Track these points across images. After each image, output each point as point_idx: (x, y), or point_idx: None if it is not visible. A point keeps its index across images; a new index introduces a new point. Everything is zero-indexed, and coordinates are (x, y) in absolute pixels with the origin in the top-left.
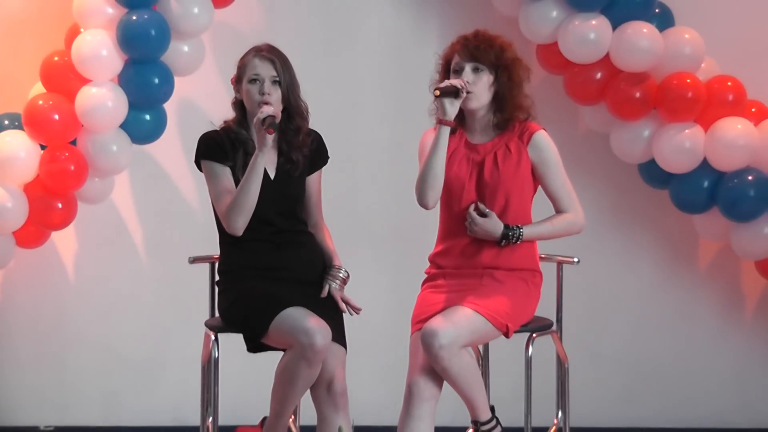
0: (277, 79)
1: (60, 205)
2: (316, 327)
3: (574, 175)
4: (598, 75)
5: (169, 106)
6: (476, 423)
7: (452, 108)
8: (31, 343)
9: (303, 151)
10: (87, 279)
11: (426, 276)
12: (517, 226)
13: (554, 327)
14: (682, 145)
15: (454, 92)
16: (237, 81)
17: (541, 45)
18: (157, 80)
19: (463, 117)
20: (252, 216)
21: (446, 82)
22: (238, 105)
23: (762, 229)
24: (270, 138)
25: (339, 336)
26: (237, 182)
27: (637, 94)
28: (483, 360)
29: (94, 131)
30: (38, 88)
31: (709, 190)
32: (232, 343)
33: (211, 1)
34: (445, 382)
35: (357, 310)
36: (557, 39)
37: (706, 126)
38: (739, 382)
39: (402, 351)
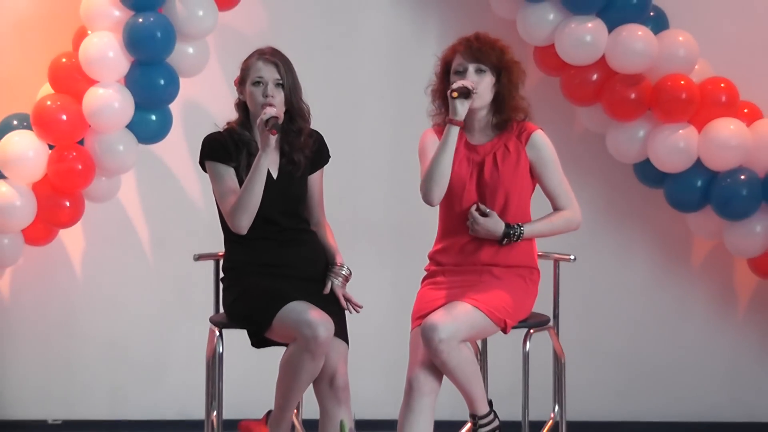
0: (281, 81)
1: (67, 204)
2: (319, 320)
3: (571, 175)
4: (594, 76)
5: (174, 107)
6: (474, 417)
7: (463, 108)
8: (39, 338)
9: (305, 152)
10: (94, 276)
11: (426, 273)
12: (518, 225)
13: (551, 323)
14: (676, 145)
15: (466, 93)
16: (240, 83)
17: (539, 47)
18: (162, 81)
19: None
20: (256, 215)
21: (459, 83)
22: (241, 106)
23: (754, 228)
24: (273, 139)
25: (341, 332)
26: (241, 182)
27: (632, 96)
28: (481, 355)
29: (101, 131)
30: (46, 89)
31: (702, 190)
32: (237, 338)
33: (216, 4)
34: (444, 377)
35: (358, 308)
36: (554, 41)
37: (699, 126)
38: (731, 377)
39: (402, 347)
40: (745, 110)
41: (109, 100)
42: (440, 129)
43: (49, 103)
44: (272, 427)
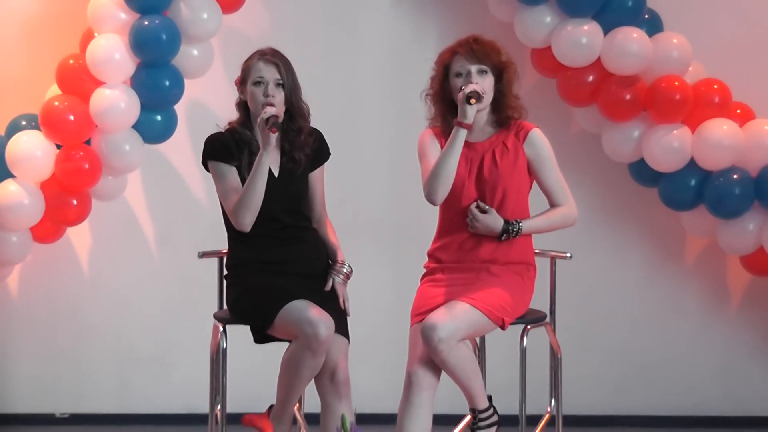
0: (281, 81)
1: (75, 202)
2: (320, 318)
3: (568, 174)
4: (590, 78)
5: (179, 107)
6: (474, 411)
7: (472, 112)
8: (47, 333)
9: (305, 150)
10: (101, 272)
11: (425, 270)
12: (516, 221)
13: (548, 319)
14: (670, 145)
15: (478, 97)
16: (241, 83)
17: (536, 49)
18: (167, 82)
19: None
20: (258, 213)
21: (471, 88)
22: (242, 106)
23: (747, 226)
24: (273, 137)
25: (342, 328)
26: (243, 181)
27: (628, 97)
28: (480, 350)
29: (107, 131)
30: (54, 90)
31: (696, 189)
32: (240, 334)
33: (220, 7)
34: (443, 372)
35: (348, 312)
36: (551, 43)
37: (693, 127)
38: (724, 371)
39: (402, 342)
40: (738, 111)
41: (116, 101)
42: (438, 129)
43: (56, 103)
44: (274, 420)
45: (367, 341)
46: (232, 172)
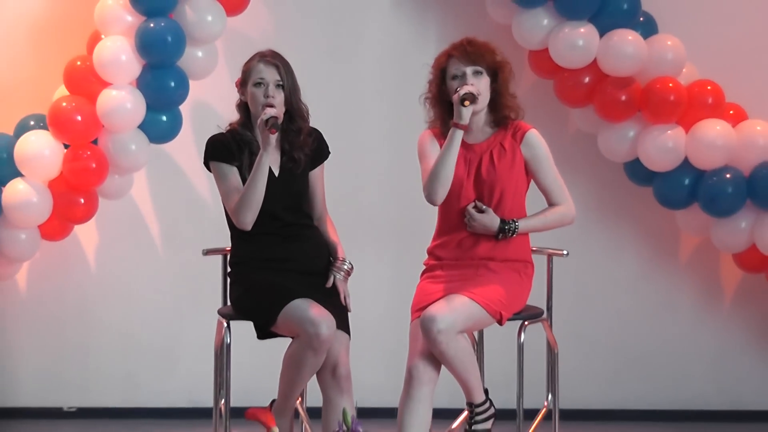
0: (281, 83)
1: (82, 201)
2: (322, 318)
3: (564, 173)
4: (587, 79)
5: (184, 108)
6: (471, 405)
7: (468, 113)
8: (55, 329)
9: (304, 150)
10: (107, 269)
11: (425, 267)
12: (513, 220)
13: (545, 315)
14: (664, 145)
15: (472, 98)
16: (242, 84)
17: (533, 51)
18: (173, 84)
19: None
20: (260, 211)
21: (465, 90)
22: (243, 107)
23: (739, 224)
24: (273, 137)
25: (343, 323)
26: (244, 181)
27: (623, 97)
28: (478, 346)
29: (114, 131)
30: (62, 90)
31: (690, 188)
32: (243, 329)
33: (224, 9)
34: (442, 366)
35: (349, 308)
36: (548, 45)
37: (687, 127)
38: (717, 366)
39: (402, 337)
40: (731, 111)
41: (122, 102)
42: (438, 130)
43: (64, 104)
44: (277, 414)
45: (368, 337)
46: (233, 172)
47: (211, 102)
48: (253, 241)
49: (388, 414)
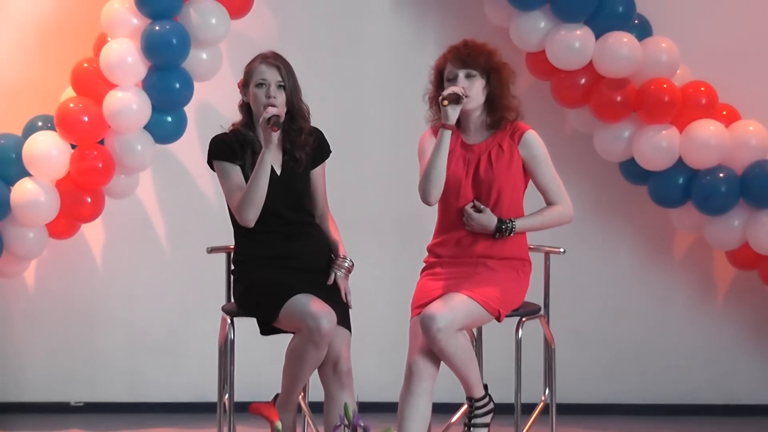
0: (282, 83)
1: (89, 200)
2: (322, 312)
3: (561, 173)
4: (583, 80)
5: (189, 109)
6: (471, 399)
7: (454, 113)
8: (62, 325)
9: (306, 149)
10: (114, 267)
11: (425, 265)
12: (510, 220)
13: (542, 311)
14: (659, 145)
15: (456, 99)
16: (244, 85)
17: (530, 53)
18: (178, 85)
19: (458, 119)
20: (263, 209)
21: (449, 90)
22: (245, 108)
23: (732, 222)
24: (275, 136)
25: (344, 320)
26: (246, 180)
27: (618, 98)
28: (477, 342)
29: (120, 132)
30: (69, 92)
31: (684, 187)
32: (247, 326)
33: (228, 12)
34: (441, 362)
35: (350, 305)
36: (545, 47)
37: (681, 127)
38: (710, 361)
39: (402, 334)
40: (724, 112)
41: (128, 103)
42: (437, 131)
43: (71, 105)
44: (280, 409)
45: (369, 333)
46: (236, 171)
47: (215, 103)
48: (256, 239)
49: (388, 408)
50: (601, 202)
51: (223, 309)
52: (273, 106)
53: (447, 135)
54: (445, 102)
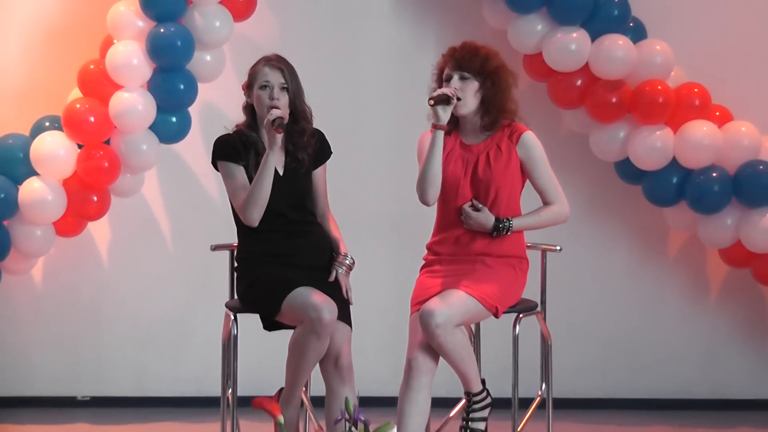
0: (285, 85)
1: (95, 199)
2: (323, 303)
3: (557, 173)
4: (579, 82)
5: (193, 110)
6: (469, 394)
7: (445, 114)
8: (69, 321)
9: (308, 150)
10: (120, 264)
11: (424, 262)
12: (507, 219)
13: (539, 308)
14: (653, 145)
15: (445, 100)
16: (248, 87)
17: (528, 55)
18: (182, 86)
19: (457, 120)
20: (266, 209)
21: (438, 92)
22: (249, 109)
23: (725, 221)
24: (279, 138)
25: (345, 316)
26: (250, 180)
27: (614, 99)
28: (475, 338)
29: (125, 132)
30: (76, 93)
31: (677, 186)
32: (250, 322)
33: (231, 15)
34: (440, 357)
35: (351, 301)
36: (542, 50)
37: (675, 128)
38: (703, 357)
39: (402, 330)
40: (717, 113)
41: (133, 104)
42: None
43: (78, 106)
44: (283, 403)
45: (369, 329)
46: (240, 171)
47: (219, 104)
48: (259, 237)
49: (388, 403)
50: (596, 201)
51: (227, 305)
52: (276, 108)
53: (440, 135)
54: (431, 102)
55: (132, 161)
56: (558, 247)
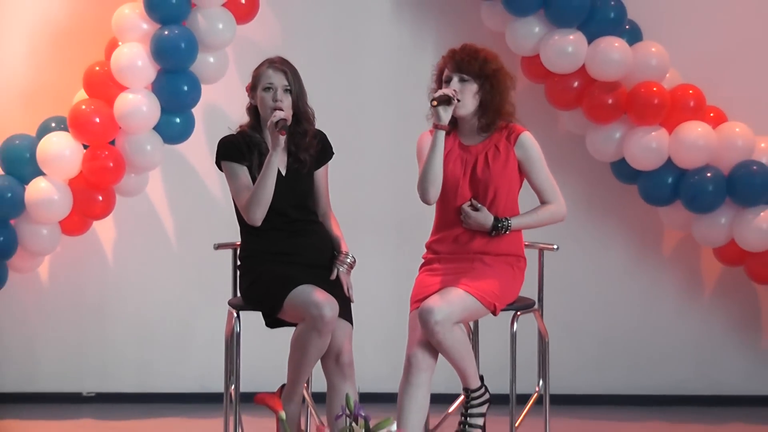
0: (289, 87)
1: (100, 198)
2: (325, 301)
3: (554, 172)
4: (575, 84)
5: (196, 111)
6: (467, 390)
7: (446, 114)
8: (75, 318)
9: (310, 151)
10: (124, 263)
11: (423, 261)
12: (506, 218)
13: (536, 306)
14: (649, 146)
15: (446, 100)
16: (252, 89)
17: (525, 57)
18: (186, 88)
19: (455, 121)
20: (268, 208)
21: (440, 92)
22: (252, 111)
23: (719, 220)
24: (282, 139)
25: (346, 313)
26: (253, 180)
27: (610, 101)
28: (473, 335)
29: (130, 133)
30: (81, 94)
31: (672, 186)
32: (253, 319)
33: (234, 17)
34: (439, 354)
35: (352, 299)
36: (539, 52)
37: (670, 129)
38: (697, 354)
39: (402, 327)
40: (711, 114)
41: (138, 105)
42: None
43: (83, 107)
44: (285, 399)
45: (370, 326)
46: (243, 171)
47: (222, 105)
48: (262, 236)
49: (388, 399)
50: (593, 201)
51: (230, 303)
52: (280, 109)
53: (441, 135)
54: (434, 102)
55: (136, 161)
56: (555, 246)
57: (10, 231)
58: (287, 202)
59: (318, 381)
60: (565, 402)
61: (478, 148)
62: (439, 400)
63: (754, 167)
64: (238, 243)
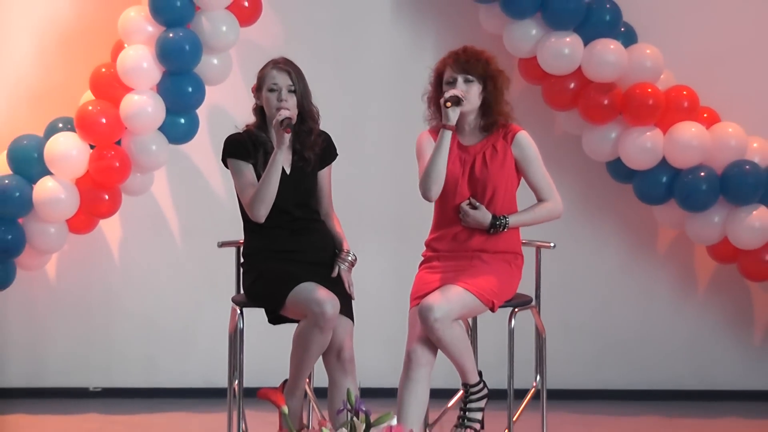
0: (293, 88)
1: (107, 197)
2: (326, 298)
3: (551, 172)
4: (572, 85)
5: (201, 111)
6: (466, 386)
7: (454, 115)
8: (81, 315)
9: (314, 150)
10: (130, 260)
11: (423, 258)
12: (504, 216)
13: (533, 303)
14: (643, 146)
15: (457, 101)
16: (257, 90)
17: (522, 59)
18: (190, 89)
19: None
20: (272, 206)
21: (451, 93)
22: (258, 111)
23: (712, 219)
24: (287, 137)
25: (347, 310)
26: (258, 178)
27: (605, 102)
28: (472, 331)
29: (136, 133)
30: (88, 95)
31: (667, 185)
32: (256, 316)
33: (238, 20)
34: (439, 350)
35: (353, 296)
36: (536, 54)
37: (664, 129)
38: (692, 350)
39: (402, 323)
40: (705, 115)
41: (143, 106)
42: (435, 131)
43: (90, 108)
44: (287, 394)
45: (370, 323)
46: (249, 169)
47: (225, 106)
48: (265, 233)
49: (388, 394)
50: (589, 200)
51: (233, 300)
52: (285, 109)
53: (447, 135)
54: (448, 104)
55: (142, 161)
56: (552, 244)
57: (18, 229)
58: (290, 200)
59: (319, 376)
60: (561, 397)
61: (477, 148)
62: (439, 394)
63: (747, 167)
64: (242, 241)
